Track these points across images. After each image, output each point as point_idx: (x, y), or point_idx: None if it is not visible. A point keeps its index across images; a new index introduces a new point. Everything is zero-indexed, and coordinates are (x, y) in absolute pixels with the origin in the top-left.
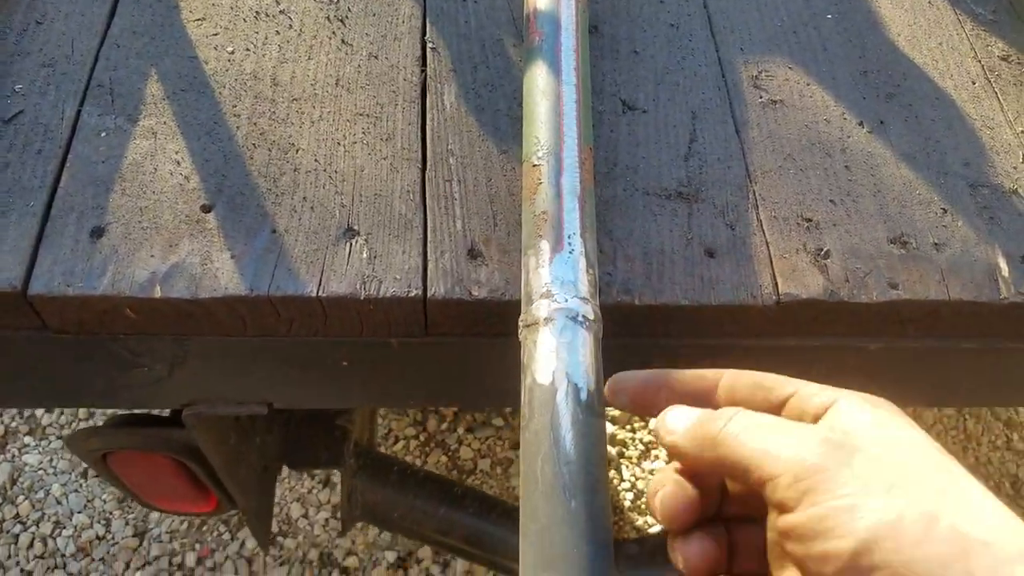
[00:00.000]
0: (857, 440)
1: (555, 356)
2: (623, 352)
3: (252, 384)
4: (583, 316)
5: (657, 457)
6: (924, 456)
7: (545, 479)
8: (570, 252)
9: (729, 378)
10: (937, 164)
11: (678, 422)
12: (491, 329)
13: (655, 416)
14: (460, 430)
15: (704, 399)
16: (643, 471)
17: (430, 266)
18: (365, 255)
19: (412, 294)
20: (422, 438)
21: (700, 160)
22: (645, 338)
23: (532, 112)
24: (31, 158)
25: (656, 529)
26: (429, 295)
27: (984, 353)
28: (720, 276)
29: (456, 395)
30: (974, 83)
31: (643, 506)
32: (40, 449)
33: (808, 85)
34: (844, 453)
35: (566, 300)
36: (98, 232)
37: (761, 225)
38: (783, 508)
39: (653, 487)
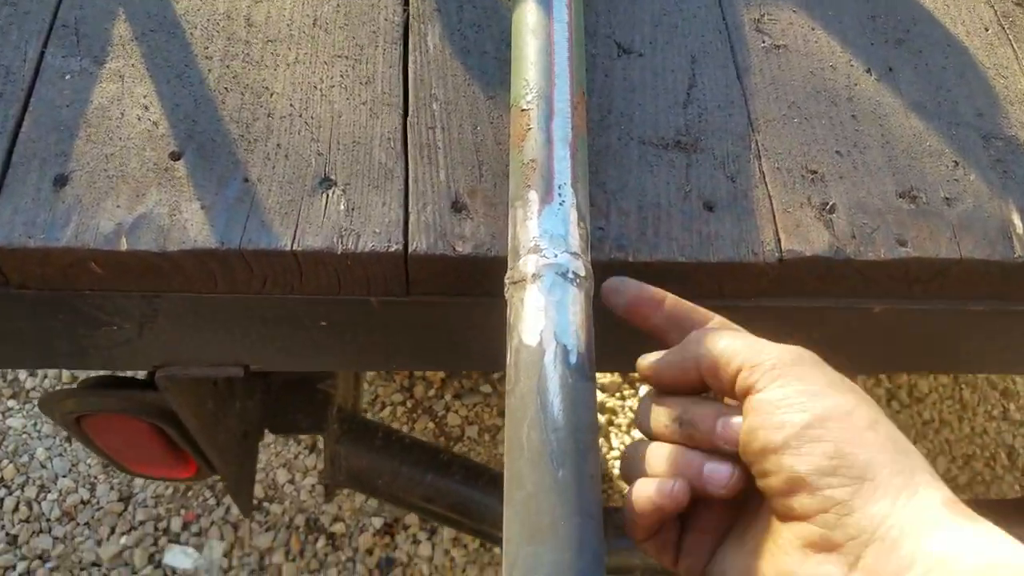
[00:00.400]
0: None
1: (543, 315)
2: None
3: (226, 345)
4: (573, 272)
5: None
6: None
7: (531, 446)
8: (560, 203)
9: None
10: (948, 114)
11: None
12: (476, 288)
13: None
14: (447, 396)
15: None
16: (632, 439)
17: (411, 219)
18: (343, 207)
19: (392, 249)
20: (409, 404)
21: (699, 107)
22: None
23: (521, 53)
24: None
25: None
26: (410, 250)
27: (994, 317)
28: (720, 231)
29: (440, 358)
30: (987, 29)
31: None
32: (24, 413)
33: (813, 29)
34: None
35: (555, 255)
36: (61, 180)
37: (763, 177)
38: (752, 391)
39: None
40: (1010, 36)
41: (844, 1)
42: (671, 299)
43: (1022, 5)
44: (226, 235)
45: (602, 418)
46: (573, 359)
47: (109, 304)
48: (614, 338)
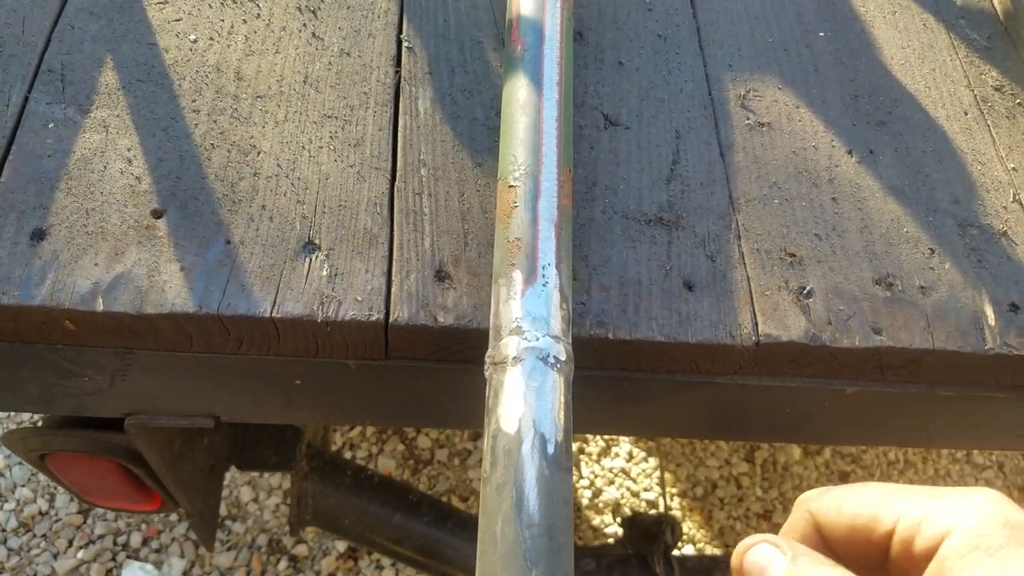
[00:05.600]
0: None
1: (523, 401)
2: (589, 384)
3: (198, 397)
4: (554, 357)
5: (617, 455)
6: None
7: (505, 542)
8: (543, 285)
9: (821, 520)
10: (926, 200)
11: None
12: (456, 355)
13: None
14: None
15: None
16: (603, 468)
17: (394, 288)
18: (325, 272)
19: (373, 318)
20: (379, 427)
21: (682, 184)
22: (616, 371)
23: (510, 128)
24: None
25: (612, 530)
26: (391, 320)
27: (963, 400)
28: (698, 312)
29: (415, 417)
30: (966, 113)
31: (600, 504)
32: None
33: (797, 108)
34: None
35: (537, 338)
36: (39, 235)
37: (743, 258)
38: None
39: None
40: (988, 121)
41: (828, 80)
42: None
43: (1000, 90)
44: (205, 299)
45: (575, 445)
46: (551, 449)
47: (81, 358)
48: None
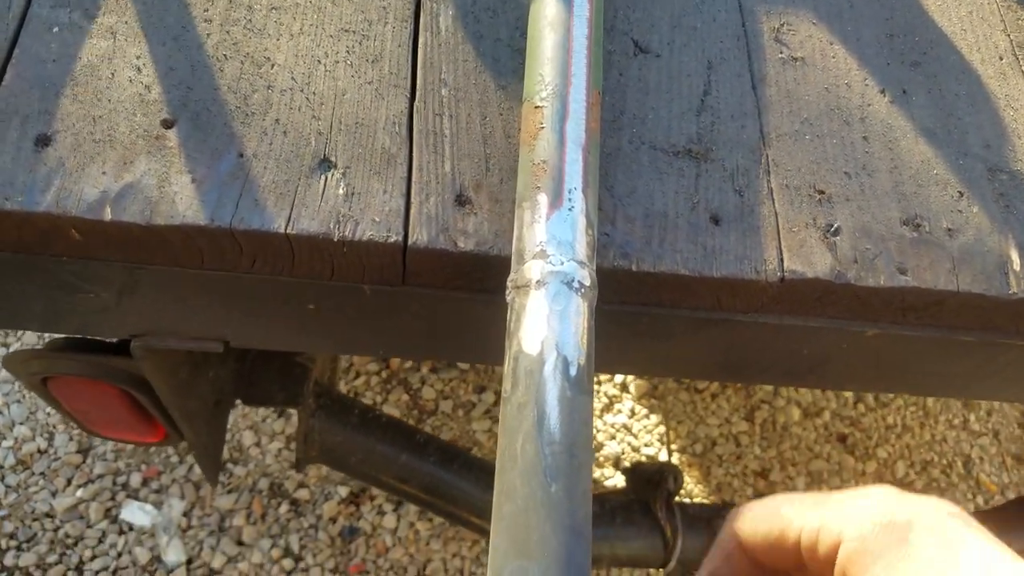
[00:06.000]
0: None
1: (546, 324)
2: (609, 319)
3: (208, 320)
4: (579, 282)
5: (619, 411)
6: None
7: (526, 459)
8: (569, 209)
9: (744, 539)
10: (957, 143)
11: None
12: (474, 284)
13: None
14: (424, 370)
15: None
16: (605, 423)
17: (413, 210)
18: (341, 191)
19: (392, 240)
20: (384, 375)
21: (713, 115)
22: (637, 306)
23: (537, 46)
24: None
25: (612, 483)
26: (410, 243)
27: (982, 347)
28: (724, 246)
29: (429, 348)
30: (1001, 59)
31: (602, 459)
32: None
33: (831, 44)
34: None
35: (562, 263)
36: (44, 140)
37: (771, 194)
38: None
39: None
40: (1023, 67)
41: (864, 17)
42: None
43: None
44: (217, 212)
45: None
46: (573, 371)
47: (88, 272)
48: (613, 341)
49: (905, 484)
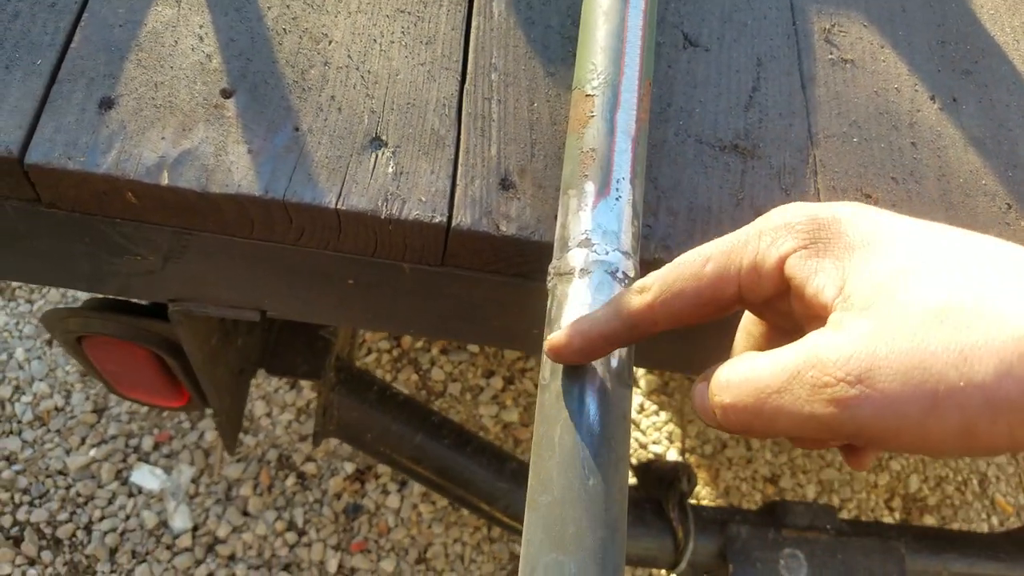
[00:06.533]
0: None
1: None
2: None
3: (248, 289)
4: (623, 272)
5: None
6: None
7: (563, 449)
8: (617, 199)
9: (663, 309)
10: (1007, 154)
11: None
12: (513, 268)
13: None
14: (434, 350)
15: (649, 330)
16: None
17: (458, 192)
18: (391, 169)
19: (436, 220)
20: (395, 353)
21: (761, 112)
22: None
23: (591, 34)
24: (43, 11)
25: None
26: (454, 224)
27: None
28: None
29: (461, 330)
30: None
31: None
32: (8, 311)
33: (882, 48)
34: None
35: (607, 252)
36: (107, 103)
37: (818, 194)
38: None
39: None
40: None
41: (916, 23)
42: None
43: None
44: (271, 184)
45: None
46: (615, 363)
47: (138, 234)
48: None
49: (918, 499)
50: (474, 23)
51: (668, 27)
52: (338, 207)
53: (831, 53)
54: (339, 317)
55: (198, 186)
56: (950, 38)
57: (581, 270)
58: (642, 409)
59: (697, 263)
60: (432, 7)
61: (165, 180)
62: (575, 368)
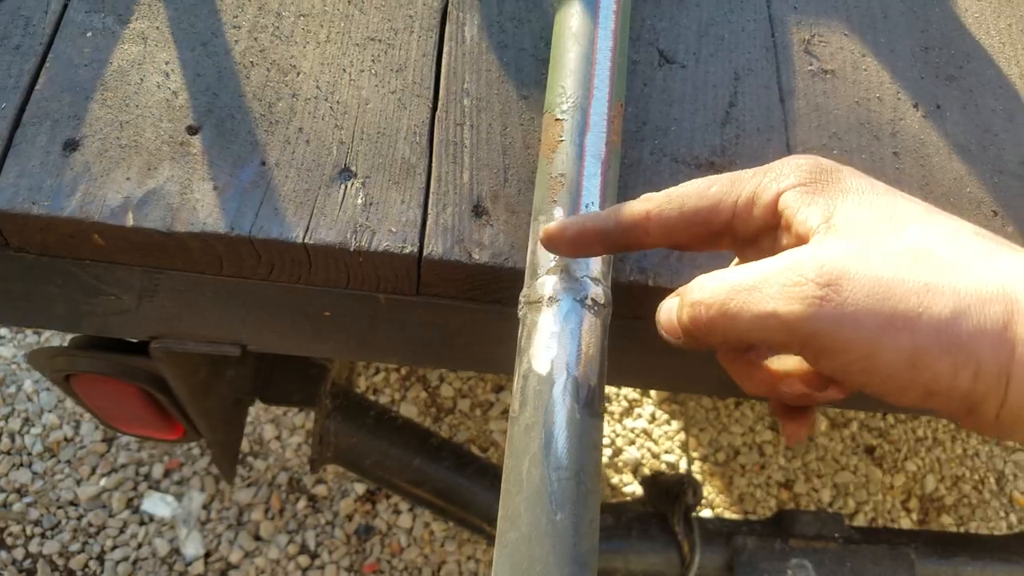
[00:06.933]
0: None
1: (556, 343)
2: (622, 333)
3: (225, 324)
4: (592, 299)
5: (639, 416)
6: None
7: (531, 484)
8: None
9: (659, 218)
10: (993, 160)
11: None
12: (489, 295)
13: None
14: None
15: (639, 240)
16: (624, 428)
17: (429, 221)
18: (360, 201)
19: (407, 251)
20: (403, 371)
21: (738, 128)
22: (650, 321)
23: (560, 57)
24: (7, 53)
25: (630, 490)
26: (425, 253)
27: None
28: None
29: (443, 357)
30: None
31: (620, 464)
32: (16, 343)
33: (863, 56)
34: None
35: (576, 279)
36: (72, 145)
37: None
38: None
39: None
40: None
41: (898, 29)
42: (606, 225)
43: None
44: (236, 220)
45: None
46: (583, 393)
47: (109, 275)
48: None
49: (935, 499)
50: (446, 48)
51: (643, 44)
52: (306, 241)
53: (811, 64)
54: (318, 349)
55: (163, 226)
56: (934, 43)
57: (549, 298)
58: (653, 419)
59: (703, 184)
60: (403, 34)
61: (130, 221)
62: (544, 400)
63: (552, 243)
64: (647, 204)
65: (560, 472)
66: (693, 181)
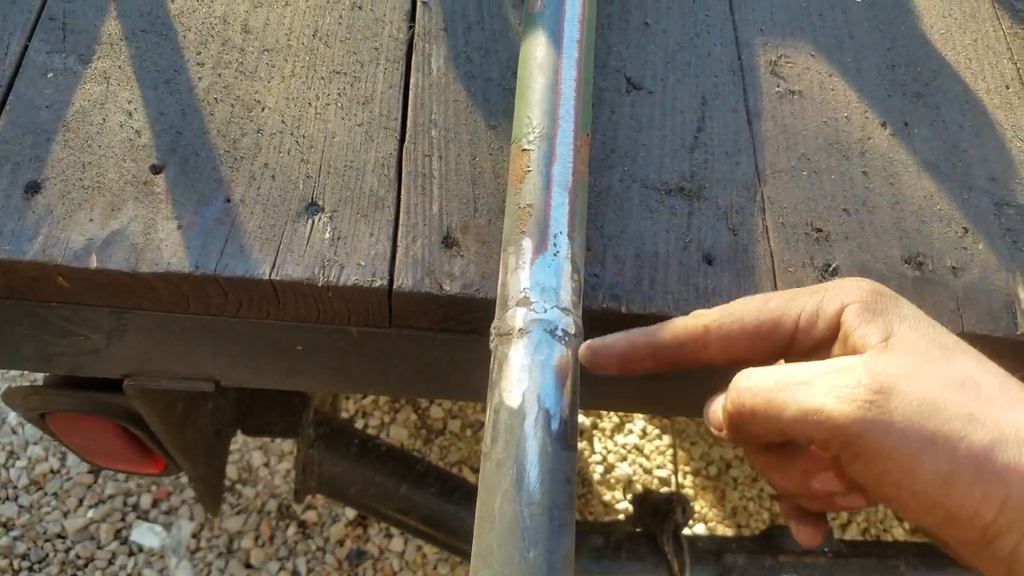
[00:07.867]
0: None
1: (527, 375)
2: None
3: (197, 361)
4: (563, 329)
5: (630, 432)
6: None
7: (503, 520)
8: (554, 254)
9: (718, 332)
10: (962, 176)
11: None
12: (462, 326)
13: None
14: None
15: (695, 355)
16: (616, 444)
17: (399, 253)
18: (328, 235)
19: (376, 284)
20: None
21: (706, 152)
22: None
23: (526, 88)
24: None
25: (622, 506)
26: (395, 286)
27: None
28: (717, 287)
29: (419, 387)
30: (1008, 87)
31: (612, 480)
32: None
33: (830, 76)
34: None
35: (545, 310)
36: (34, 188)
37: (767, 232)
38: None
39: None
40: None
41: (864, 48)
42: (659, 339)
43: None
44: (201, 259)
45: (587, 420)
46: (555, 426)
47: (77, 316)
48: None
49: None
50: (412, 80)
51: (610, 72)
52: (272, 278)
53: (778, 85)
54: (293, 383)
55: (127, 267)
56: (900, 61)
57: (520, 330)
58: (644, 434)
59: (760, 300)
60: (369, 67)
61: (94, 263)
62: (515, 434)
63: (597, 359)
64: (703, 319)
65: (532, 508)
66: (746, 298)
